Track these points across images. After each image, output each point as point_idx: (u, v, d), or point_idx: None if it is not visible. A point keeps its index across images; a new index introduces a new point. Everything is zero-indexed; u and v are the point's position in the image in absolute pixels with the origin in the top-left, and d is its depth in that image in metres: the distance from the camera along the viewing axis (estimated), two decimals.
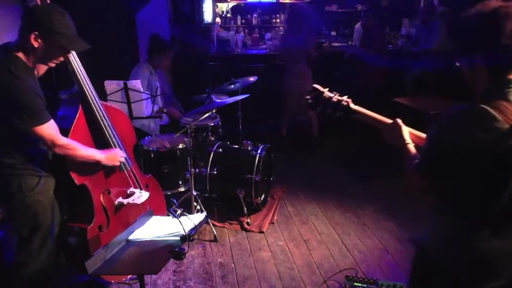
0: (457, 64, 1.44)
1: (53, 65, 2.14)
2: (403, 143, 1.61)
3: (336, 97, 1.75)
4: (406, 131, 1.64)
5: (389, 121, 1.71)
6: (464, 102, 1.35)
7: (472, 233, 1.37)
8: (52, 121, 2.09)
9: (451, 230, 1.42)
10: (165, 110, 4.07)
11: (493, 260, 1.37)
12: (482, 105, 1.28)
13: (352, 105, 1.74)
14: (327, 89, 1.77)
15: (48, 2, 2.16)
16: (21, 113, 1.98)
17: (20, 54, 2.02)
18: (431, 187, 1.42)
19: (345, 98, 1.75)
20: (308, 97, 1.78)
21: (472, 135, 1.27)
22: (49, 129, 2.06)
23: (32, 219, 2.18)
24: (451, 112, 1.33)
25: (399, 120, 1.68)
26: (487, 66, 1.33)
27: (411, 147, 1.59)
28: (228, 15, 6.97)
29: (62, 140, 2.13)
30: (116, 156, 2.44)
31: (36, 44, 1.99)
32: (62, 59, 2.15)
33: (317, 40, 5.28)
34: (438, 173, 1.37)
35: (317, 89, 1.77)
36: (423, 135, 1.65)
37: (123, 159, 2.50)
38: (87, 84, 2.37)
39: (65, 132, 2.23)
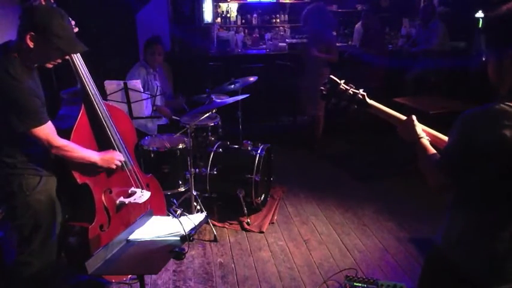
0: (484, 59, 1.44)
1: (50, 66, 2.14)
2: (417, 138, 1.60)
3: (351, 90, 1.73)
4: (419, 127, 1.64)
5: (404, 117, 1.70)
6: (473, 102, 1.35)
7: (492, 233, 1.37)
8: (49, 123, 2.09)
9: (468, 229, 1.42)
10: (154, 108, 4.06)
11: (509, 262, 1.37)
12: (504, 102, 1.29)
13: (367, 99, 1.73)
14: (343, 81, 1.75)
15: (52, 1, 2.16)
16: (20, 115, 1.98)
17: (18, 55, 2.01)
18: (451, 185, 1.42)
19: (360, 91, 1.74)
20: (323, 88, 1.75)
21: (499, 133, 1.27)
22: (46, 131, 2.07)
23: (32, 219, 2.18)
24: (477, 110, 1.33)
25: (413, 116, 1.68)
26: None
27: (425, 141, 1.59)
28: (229, 15, 6.97)
29: (58, 142, 2.13)
30: (112, 158, 2.42)
31: (31, 45, 1.98)
32: (59, 60, 2.15)
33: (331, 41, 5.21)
34: (462, 171, 1.37)
35: (333, 80, 1.75)
36: (436, 133, 1.65)
37: (118, 163, 2.47)
38: (90, 83, 2.37)
39: (67, 131, 2.24)
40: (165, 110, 4.12)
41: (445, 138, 1.59)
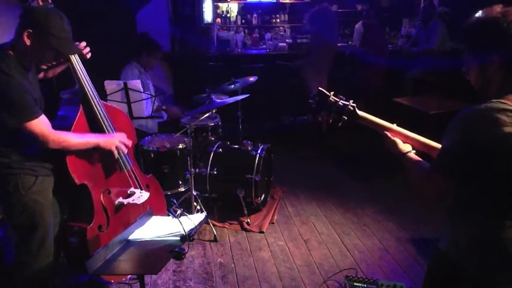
0: (464, 68, 1.46)
1: (44, 66, 2.15)
2: (402, 154, 1.61)
3: (341, 101, 1.72)
4: (400, 142, 1.65)
5: (396, 127, 1.70)
6: (473, 102, 1.36)
7: (504, 235, 1.36)
8: (43, 116, 2.07)
9: (478, 235, 1.40)
10: (164, 108, 4.06)
11: None
12: (499, 100, 1.31)
13: (358, 111, 1.72)
14: (332, 93, 1.74)
15: (50, 1, 2.16)
16: (11, 109, 1.97)
17: (12, 52, 2.02)
18: (449, 189, 1.41)
19: (350, 102, 1.73)
20: (311, 101, 1.75)
21: (500, 130, 1.28)
22: (40, 124, 2.04)
23: (29, 219, 2.17)
24: (474, 110, 1.34)
25: (388, 135, 1.68)
26: (501, 65, 1.36)
27: (412, 154, 1.60)
28: (229, 15, 6.97)
29: (54, 134, 2.10)
30: (113, 139, 2.37)
31: (28, 42, 1.98)
32: (54, 62, 2.15)
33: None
34: (467, 171, 1.36)
35: (322, 93, 1.74)
36: (427, 140, 1.65)
37: (121, 146, 2.41)
38: (88, 83, 2.36)
39: (65, 131, 2.23)
40: (173, 110, 4.13)
41: (437, 145, 1.58)
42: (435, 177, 1.41)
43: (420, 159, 1.57)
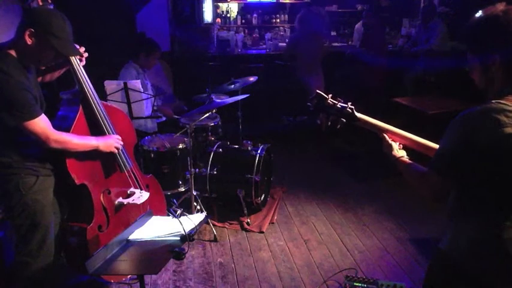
0: (467, 68, 1.46)
1: (43, 67, 2.15)
2: (395, 159, 1.63)
3: (339, 104, 1.72)
4: (396, 146, 1.66)
5: (394, 129, 1.70)
6: (473, 102, 1.37)
7: (506, 231, 1.35)
8: (43, 115, 2.07)
9: (479, 231, 1.40)
10: (155, 108, 4.05)
11: None
12: (499, 101, 1.31)
13: (356, 113, 1.72)
14: (330, 95, 1.74)
15: (50, 2, 2.17)
16: (10, 108, 1.97)
17: (12, 52, 2.02)
18: (446, 190, 1.41)
19: (348, 104, 1.72)
20: (309, 104, 1.74)
21: (500, 131, 1.27)
22: (41, 123, 2.05)
23: (29, 219, 2.18)
24: (474, 110, 1.33)
25: (386, 138, 1.69)
26: (502, 65, 1.35)
27: (405, 159, 1.61)
28: (229, 15, 6.97)
29: (55, 134, 2.11)
30: (112, 142, 2.39)
31: (29, 41, 1.99)
32: (53, 63, 2.15)
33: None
34: (463, 171, 1.36)
35: (320, 95, 1.74)
36: (424, 141, 1.65)
37: (119, 146, 2.44)
38: (88, 84, 2.37)
39: (65, 131, 2.23)
40: (166, 110, 4.12)
41: (435, 146, 1.58)
42: (431, 177, 1.41)
43: (412, 162, 1.58)
